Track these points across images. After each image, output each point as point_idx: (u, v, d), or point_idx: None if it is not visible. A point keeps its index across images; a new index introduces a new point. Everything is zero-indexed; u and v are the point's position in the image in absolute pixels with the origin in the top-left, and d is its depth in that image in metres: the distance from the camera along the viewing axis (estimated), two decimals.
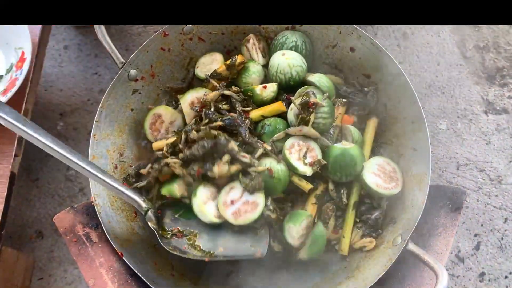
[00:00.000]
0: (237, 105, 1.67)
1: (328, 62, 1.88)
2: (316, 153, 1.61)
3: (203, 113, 1.62)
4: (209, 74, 1.87)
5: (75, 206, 1.70)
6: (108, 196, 1.63)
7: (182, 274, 1.63)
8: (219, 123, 1.58)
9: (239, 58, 1.88)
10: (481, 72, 2.91)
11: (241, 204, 1.52)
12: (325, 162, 1.55)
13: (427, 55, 2.82)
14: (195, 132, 1.55)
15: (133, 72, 1.88)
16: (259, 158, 1.56)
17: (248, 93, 1.83)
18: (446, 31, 3.06)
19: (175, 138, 1.63)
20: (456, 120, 2.67)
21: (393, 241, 1.55)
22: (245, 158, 1.51)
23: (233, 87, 1.73)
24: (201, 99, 1.71)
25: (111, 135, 1.76)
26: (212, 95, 1.68)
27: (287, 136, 1.63)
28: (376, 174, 1.63)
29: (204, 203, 1.53)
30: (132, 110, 1.84)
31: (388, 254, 1.52)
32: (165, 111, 1.80)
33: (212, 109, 1.77)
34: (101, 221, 1.56)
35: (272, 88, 1.74)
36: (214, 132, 1.52)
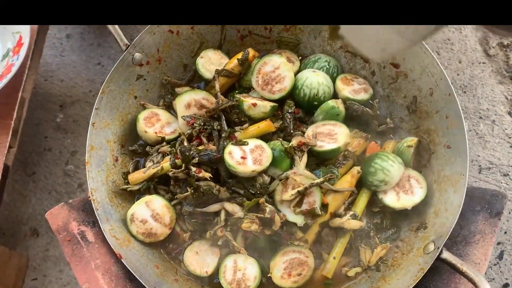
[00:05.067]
0: (224, 127, 1.61)
1: (352, 50, 1.80)
2: (314, 198, 1.52)
3: (178, 150, 1.55)
4: (219, 70, 1.75)
5: (70, 201, 1.56)
6: (107, 191, 1.55)
7: (187, 279, 1.55)
8: (196, 160, 1.53)
9: (251, 52, 1.76)
10: (505, 71, 2.74)
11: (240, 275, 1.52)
12: (320, 214, 1.49)
13: (447, 52, 2.77)
14: (179, 174, 1.57)
15: (137, 55, 1.75)
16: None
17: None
18: (468, 27, 2.92)
19: (155, 171, 1.59)
20: (478, 121, 2.62)
21: (424, 249, 1.46)
22: (236, 213, 1.52)
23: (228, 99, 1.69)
24: (197, 105, 1.70)
25: (112, 124, 1.67)
26: (209, 112, 1.65)
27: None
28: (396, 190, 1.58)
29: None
30: (135, 97, 1.75)
31: (419, 263, 1.47)
32: (163, 112, 1.75)
33: (195, 129, 1.67)
34: (98, 218, 1.46)
35: (263, 108, 1.63)
36: (201, 184, 1.54)
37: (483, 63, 2.72)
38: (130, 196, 1.63)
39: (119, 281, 1.41)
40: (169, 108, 1.84)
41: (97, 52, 2.75)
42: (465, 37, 2.80)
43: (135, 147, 1.76)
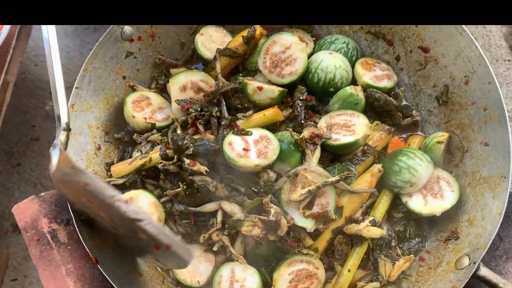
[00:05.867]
0: (225, 114, 1.45)
1: (374, 31, 1.65)
2: (327, 199, 1.37)
3: (170, 138, 1.42)
4: (221, 49, 1.56)
5: (42, 194, 1.37)
6: None
7: None
8: (191, 150, 1.37)
9: (258, 29, 1.56)
10: None
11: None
12: (334, 218, 1.35)
13: None
14: (170, 167, 1.42)
15: (127, 29, 1.55)
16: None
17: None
18: None
19: (142, 163, 1.44)
20: None
21: (457, 263, 1.34)
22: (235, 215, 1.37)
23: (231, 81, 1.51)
24: (194, 88, 1.52)
25: (95, 107, 1.52)
26: (207, 96, 1.49)
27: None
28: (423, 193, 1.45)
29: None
30: (124, 78, 1.60)
31: (450, 280, 1.31)
32: (155, 96, 1.61)
33: (192, 114, 1.49)
34: (73, 215, 1.31)
35: (270, 92, 1.47)
36: (196, 179, 1.38)
37: (508, 60, 2.57)
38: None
39: None
40: (163, 91, 1.65)
41: (92, 37, 2.59)
42: (489, 33, 2.63)
43: (121, 134, 1.58)
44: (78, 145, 1.45)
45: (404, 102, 1.61)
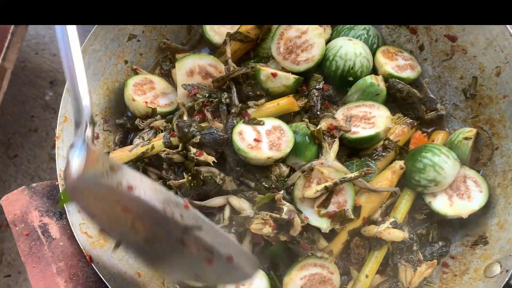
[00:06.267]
0: (235, 101, 1.35)
1: None
2: (345, 197, 1.27)
3: (175, 125, 1.32)
4: (231, 33, 1.46)
5: (34, 185, 1.26)
6: None
7: None
8: (197, 139, 1.28)
9: None
10: None
11: None
12: (352, 218, 1.25)
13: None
14: (175, 156, 1.31)
15: None
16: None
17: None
18: None
19: (143, 150, 1.33)
20: None
21: (486, 271, 1.25)
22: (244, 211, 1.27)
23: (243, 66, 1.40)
24: (202, 73, 1.41)
25: (94, 93, 1.43)
26: (217, 82, 1.37)
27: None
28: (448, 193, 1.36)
29: None
30: (126, 62, 1.51)
31: None
32: (159, 80, 1.51)
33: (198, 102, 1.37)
34: (66, 209, 1.22)
35: (285, 79, 1.36)
36: (202, 171, 1.27)
37: None
38: None
39: None
40: (167, 77, 1.56)
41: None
42: None
43: (123, 120, 1.48)
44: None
45: (428, 95, 1.52)
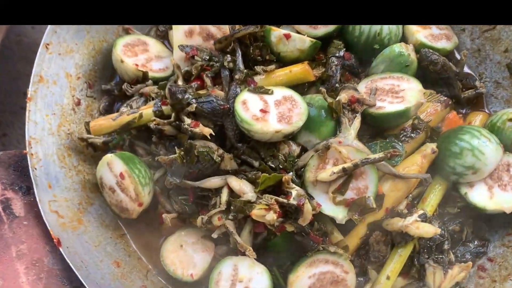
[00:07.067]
0: (239, 65, 1.18)
1: None
2: (366, 182, 1.11)
3: (167, 89, 1.16)
4: None
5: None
6: (57, 146, 1.20)
7: (161, 287, 1.19)
8: (193, 107, 1.11)
9: None
10: None
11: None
12: (374, 207, 1.08)
13: None
14: (166, 127, 1.15)
15: None
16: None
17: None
18: None
19: (130, 119, 1.18)
20: None
21: None
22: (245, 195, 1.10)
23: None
24: (203, 33, 1.24)
25: (77, 52, 1.30)
26: (219, 43, 1.20)
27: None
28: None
29: None
30: None
31: None
32: (154, 42, 1.37)
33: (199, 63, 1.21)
34: (34, 183, 1.08)
35: (300, 42, 1.22)
36: (197, 145, 1.09)
37: None
38: (94, 157, 1.26)
39: (51, 281, 0.99)
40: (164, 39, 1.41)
41: None
42: None
43: (110, 85, 1.34)
44: (51, 95, 1.21)
45: (465, 70, 1.37)
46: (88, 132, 1.24)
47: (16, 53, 2.34)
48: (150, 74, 1.27)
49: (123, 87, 1.27)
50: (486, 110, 1.36)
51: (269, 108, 1.09)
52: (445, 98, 1.29)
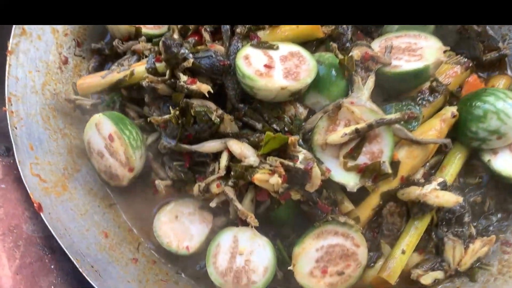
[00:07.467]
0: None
1: None
2: (381, 146, 1.00)
3: (161, 42, 1.02)
4: None
5: None
6: (41, 105, 1.10)
7: (152, 261, 1.09)
8: (190, 62, 0.99)
9: None
10: None
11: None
12: (389, 173, 0.96)
13: None
14: (160, 85, 1.03)
15: None
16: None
17: None
18: None
19: (120, 77, 1.09)
20: None
21: None
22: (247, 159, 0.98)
23: None
24: None
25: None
26: None
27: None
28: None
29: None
30: None
31: None
32: None
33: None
34: (14, 143, 0.99)
35: None
36: (194, 104, 0.99)
37: None
38: (82, 121, 1.14)
39: (29, 249, 0.91)
40: None
41: None
42: None
43: (100, 44, 1.23)
44: (35, 50, 1.11)
45: (487, 32, 1.26)
46: (76, 93, 1.13)
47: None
48: (144, 30, 1.17)
49: (114, 43, 1.17)
50: (510, 73, 1.24)
51: (274, 64, 0.98)
52: (466, 60, 1.18)
